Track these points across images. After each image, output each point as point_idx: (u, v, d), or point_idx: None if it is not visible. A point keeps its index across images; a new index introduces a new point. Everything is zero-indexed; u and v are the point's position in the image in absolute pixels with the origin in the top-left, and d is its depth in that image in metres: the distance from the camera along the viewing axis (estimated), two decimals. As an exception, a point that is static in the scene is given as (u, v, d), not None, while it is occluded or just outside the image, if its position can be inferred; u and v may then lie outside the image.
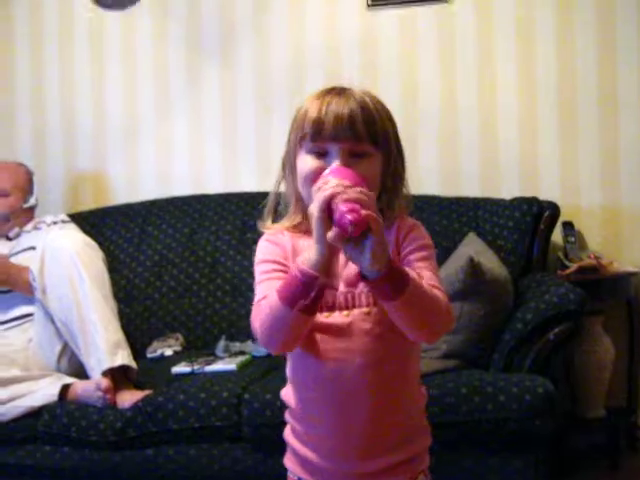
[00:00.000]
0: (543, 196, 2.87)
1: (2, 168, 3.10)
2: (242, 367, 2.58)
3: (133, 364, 2.56)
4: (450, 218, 2.86)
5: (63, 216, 3.11)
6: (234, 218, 3.11)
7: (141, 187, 3.43)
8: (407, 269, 1.20)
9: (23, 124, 3.58)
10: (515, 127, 3.10)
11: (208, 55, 3.38)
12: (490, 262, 2.43)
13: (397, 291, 1.16)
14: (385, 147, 1.30)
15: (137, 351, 2.73)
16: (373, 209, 1.13)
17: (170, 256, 3.11)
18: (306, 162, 1.28)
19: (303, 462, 1.32)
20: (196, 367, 2.59)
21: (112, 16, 3.48)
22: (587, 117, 3.03)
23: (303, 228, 1.31)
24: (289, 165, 1.33)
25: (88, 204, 3.44)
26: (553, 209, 2.82)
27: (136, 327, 2.98)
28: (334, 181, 1.17)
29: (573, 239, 2.92)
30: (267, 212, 1.38)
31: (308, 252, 1.17)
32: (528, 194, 2.88)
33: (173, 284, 3.07)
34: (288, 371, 1.34)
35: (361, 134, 1.26)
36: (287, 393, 1.35)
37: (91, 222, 3.22)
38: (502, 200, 2.89)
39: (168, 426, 2.33)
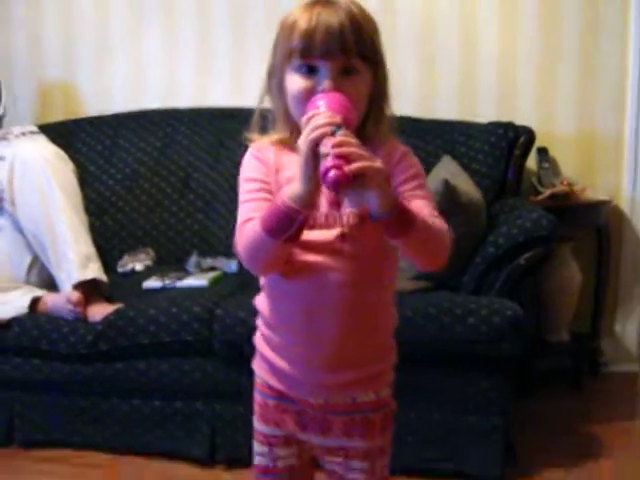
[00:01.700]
0: (519, 121, 2.86)
1: (-32, 75, 3.01)
2: (213, 283, 2.58)
3: (104, 277, 2.55)
4: (425, 140, 2.84)
5: (32, 127, 3.03)
6: (207, 133, 3.07)
7: (112, 99, 3.36)
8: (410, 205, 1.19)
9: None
10: (494, 51, 3.06)
11: (183, -36, 3.28)
12: (465, 185, 2.43)
13: (404, 229, 1.16)
14: (373, 62, 1.27)
15: (108, 265, 2.71)
16: (365, 158, 1.11)
17: (142, 170, 3.07)
18: (295, 81, 1.24)
19: (271, 367, 1.33)
20: (167, 282, 2.59)
21: None
22: (566, 42, 3.01)
23: (290, 143, 1.28)
24: (276, 80, 1.29)
25: (57, 115, 3.36)
26: (528, 134, 2.82)
27: (107, 241, 2.96)
28: (325, 114, 1.14)
29: (547, 165, 2.93)
30: (253, 125, 1.34)
31: (294, 185, 1.16)
32: (504, 119, 2.87)
33: (145, 198, 3.03)
34: (263, 280, 1.34)
35: (351, 48, 1.23)
36: (260, 301, 1.35)
37: (61, 134, 3.14)
38: (478, 124, 2.88)
39: (139, 340, 2.34)
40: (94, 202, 3.00)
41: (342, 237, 1.25)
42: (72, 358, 2.39)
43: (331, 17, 1.22)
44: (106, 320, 2.38)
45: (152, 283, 2.60)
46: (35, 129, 3.02)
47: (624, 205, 3.03)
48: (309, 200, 1.16)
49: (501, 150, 2.76)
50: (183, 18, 3.29)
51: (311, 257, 1.25)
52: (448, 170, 2.53)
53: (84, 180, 2.96)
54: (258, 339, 1.37)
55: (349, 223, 1.25)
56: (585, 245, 2.97)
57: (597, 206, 2.89)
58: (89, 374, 2.40)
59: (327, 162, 1.09)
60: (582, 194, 2.87)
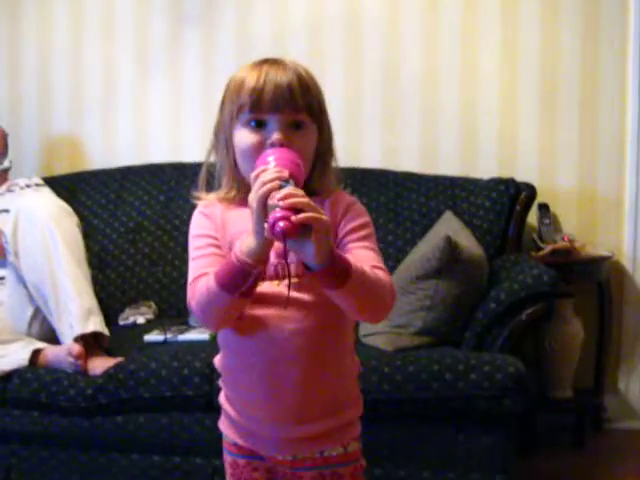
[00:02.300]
0: (520, 177, 2.89)
1: (-24, 129, 3.05)
2: (215, 337, 2.56)
3: (105, 331, 2.54)
4: (427, 196, 2.86)
5: (37, 179, 3.07)
6: (210, 188, 3.09)
7: (117, 153, 3.40)
8: (348, 256, 1.21)
9: (-1, 85, 3.52)
10: (495, 108, 3.10)
11: (189, 21, 3.34)
12: (466, 241, 2.44)
13: (340, 281, 1.18)
14: (319, 118, 1.31)
15: (109, 318, 2.71)
16: (311, 208, 1.13)
17: (145, 223, 3.08)
18: (244, 136, 1.28)
19: (237, 426, 1.34)
20: (169, 336, 2.58)
21: (92, -21, 3.43)
22: (567, 100, 3.06)
23: (237, 199, 1.32)
24: (223, 136, 1.33)
25: (63, 168, 3.39)
26: (530, 191, 2.84)
27: (109, 294, 2.96)
28: (272, 170, 1.17)
29: (548, 221, 2.95)
30: (200, 183, 1.37)
31: (246, 240, 1.18)
32: (506, 175, 2.89)
33: (147, 251, 3.05)
34: (219, 338, 1.35)
35: (299, 104, 1.27)
36: (219, 360, 1.37)
37: (66, 187, 3.18)
38: (480, 180, 2.90)
39: (139, 394, 2.33)
40: (97, 255, 3.02)
41: (292, 287, 1.25)
42: (72, 411, 2.37)
43: (280, 74, 1.27)
44: (106, 373, 2.37)
45: (154, 336, 2.59)
46: (40, 182, 3.06)
47: (625, 261, 3.04)
48: (262, 254, 1.18)
49: (502, 206, 2.78)
50: (188, 73, 3.35)
51: (263, 310, 1.27)
52: (450, 226, 2.55)
53: (88, 233, 2.98)
54: (222, 398, 1.38)
55: (298, 273, 1.26)
56: (587, 301, 2.97)
57: (598, 262, 2.90)
58: (88, 428, 2.38)
59: (275, 214, 1.12)
60: (583, 250, 2.88)
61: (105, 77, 3.43)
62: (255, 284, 1.21)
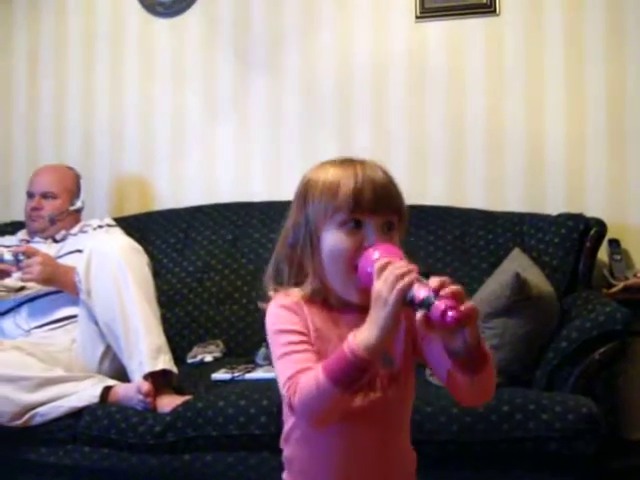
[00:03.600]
0: (589, 213, 2.84)
1: (51, 171, 3.15)
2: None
3: (174, 369, 2.57)
4: (495, 233, 2.84)
5: (109, 220, 3.15)
6: (277, 226, 3.10)
7: (186, 193, 3.46)
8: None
9: (72, 128, 3.63)
10: (562, 141, 3.07)
11: (255, 64, 3.40)
12: (536, 278, 2.40)
13: (482, 365, 1.17)
14: (404, 219, 1.30)
15: (178, 356, 2.74)
16: (466, 300, 1.12)
17: (213, 263, 3.12)
18: (339, 238, 1.25)
19: None
20: (236, 374, 2.59)
21: (162, 23, 3.53)
22: (636, 132, 3.00)
23: (318, 300, 1.29)
24: (307, 236, 1.29)
25: (133, 209, 3.47)
26: (600, 226, 2.78)
27: (177, 332, 3.00)
28: (402, 263, 1.16)
29: (619, 257, 2.88)
30: (269, 278, 1.35)
31: (364, 333, 1.16)
32: (574, 210, 2.85)
33: (215, 290, 3.08)
34: (293, 448, 1.33)
35: (394, 205, 1.27)
36: (292, 453, 1.34)
37: (136, 227, 3.25)
38: (548, 216, 2.86)
39: (207, 432, 2.33)
40: (166, 294, 3.06)
41: (388, 383, 1.26)
42: (140, 448, 2.39)
43: (375, 174, 1.26)
44: (175, 411, 2.39)
45: (221, 375, 2.61)
46: (112, 222, 3.13)
47: (702, 298, 2.94)
48: (382, 350, 1.17)
49: (572, 242, 2.73)
50: (254, 116, 3.40)
51: (358, 421, 1.26)
52: (519, 263, 2.51)
53: (156, 272, 3.03)
54: None
55: (389, 383, 1.26)
56: (662, 339, 2.88)
57: (673, 299, 2.82)
58: (156, 465, 2.39)
59: (439, 304, 1.09)
60: (656, 287, 2.80)
61: (174, 121, 3.51)
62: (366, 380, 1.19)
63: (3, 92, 3.72)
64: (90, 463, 2.46)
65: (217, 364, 2.76)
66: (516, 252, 2.65)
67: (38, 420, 2.45)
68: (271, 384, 2.43)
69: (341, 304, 1.30)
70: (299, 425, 1.31)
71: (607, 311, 2.27)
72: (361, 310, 1.25)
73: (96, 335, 2.67)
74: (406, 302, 1.13)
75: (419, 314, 1.11)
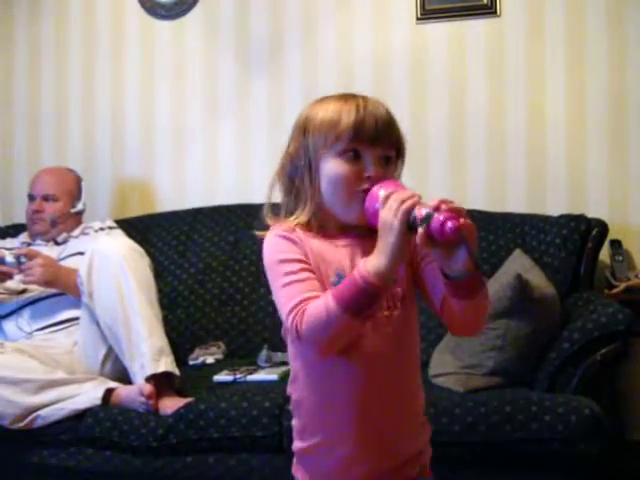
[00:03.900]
0: (591, 214, 2.84)
1: (52, 173, 3.15)
2: (284, 377, 2.57)
3: (176, 371, 2.57)
4: (496, 234, 2.84)
5: (110, 222, 3.15)
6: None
7: (187, 195, 3.46)
8: None
9: (73, 130, 3.63)
10: (563, 143, 3.07)
11: (256, 66, 3.40)
12: (537, 279, 2.40)
13: (476, 291, 1.19)
14: (402, 156, 1.35)
15: (179, 358, 2.74)
16: (466, 216, 1.15)
17: (214, 264, 3.13)
18: (338, 166, 1.28)
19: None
20: (238, 376, 2.59)
21: (162, 25, 3.53)
22: (637, 134, 3.00)
23: (316, 228, 1.32)
24: (306, 164, 1.32)
25: (135, 211, 3.47)
26: (601, 227, 2.78)
27: (179, 334, 3.00)
28: (404, 190, 1.20)
29: (621, 258, 2.88)
30: (267, 210, 1.37)
31: (373, 261, 1.17)
32: (576, 211, 2.85)
33: (217, 292, 3.08)
34: (301, 390, 1.32)
35: (393, 139, 1.31)
36: (298, 399, 1.34)
37: (137, 229, 3.25)
38: (549, 217, 2.86)
39: (209, 434, 2.34)
40: (167, 296, 3.06)
41: (389, 318, 1.26)
42: (142, 450, 2.39)
43: (377, 108, 1.30)
44: (177, 413, 2.39)
45: (223, 377, 2.61)
46: (113, 224, 3.13)
47: None
48: (393, 275, 1.18)
49: (573, 243, 2.73)
50: (256, 116, 3.40)
51: (362, 340, 1.26)
52: (520, 264, 2.51)
53: (158, 274, 3.03)
54: (297, 447, 1.36)
55: (395, 303, 1.27)
56: (664, 340, 2.88)
57: (675, 300, 2.81)
58: (158, 467, 2.39)
59: (439, 217, 1.12)
60: (658, 288, 2.80)
61: (175, 122, 3.51)
62: (379, 306, 1.21)
63: (4, 95, 3.72)
64: (92, 465, 2.46)
65: (219, 366, 2.77)
66: (517, 253, 2.65)
67: (40, 422, 2.46)
68: (273, 386, 2.45)
69: (338, 228, 1.32)
70: (306, 365, 1.31)
71: (609, 312, 2.27)
72: (357, 234, 1.30)
73: (98, 337, 2.67)
74: (409, 224, 1.15)
75: (420, 230, 1.13)
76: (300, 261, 1.27)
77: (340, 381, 1.27)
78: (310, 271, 1.26)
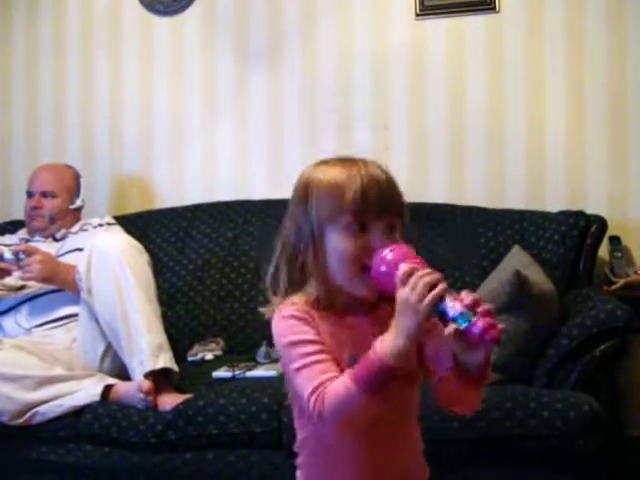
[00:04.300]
0: (590, 210, 2.84)
1: (50, 170, 3.15)
2: (283, 374, 2.57)
3: (175, 367, 2.57)
4: (495, 230, 2.83)
5: (109, 218, 3.15)
6: (277, 224, 3.10)
7: (186, 191, 3.46)
8: None
9: (72, 127, 3.63)
10: (562, 139, 3.06)
11: (255, 63, 3.40)
12: (536, 276, 2.40)
13: (484, 380, 1.21)
14: (404, 220, 1.30)
15: (178, 354, 2.74)
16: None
17: (213, 261, 3.12)
18: (345, 241, 1.24)
19: None
20: (237, 372, 2.59)
21: (161, 22, 3.52)
22: (637, 130, 2.99)
23: (324, 304, 1.28)
24: (310, 239, 1.27)
25: (133, 207, 3.47)
26: (600, 223, 2.78)
27: (178, 330, 2.99)
28: (427, 270, 1.17)
29: (620, 254, 2.88)
30: (270, 285, 1.34)
31: (391, 342, 1.16)
32: (575, 207, 2.85)
33: (215, 288, 3.08)
34: (310, 445, 1.33)
35: (397, 208, 1.27)
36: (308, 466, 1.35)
37: (136, 225, 3.24)
38: (548, 213, 2.86)
39: (208, 430, 2.34)
40: (166, 292, 3.06)
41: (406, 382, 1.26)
42: (141, 447, 2.39)
43: (379, 176, 1.26)
44: (176, 409, 2.39)
45: (222, 373, 2.61)
46: (112, 220, 3.13)
47: (702, 295, 2.94)
48: (409, 357, 1.17)
49: (572, 239, 2.73)
50: (254, 113, 3.40)
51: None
52: (519, 261, 2.51)
53: (157, 270, 3.02)
54: None
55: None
56: (663, 336, 2.88)
57: (674, 296, 2.81)
58: (157, 463, 2.39)
59: (480, 323, 1.12)
60: (657, 284, 2.80)
61: (173, 119, 3.50)
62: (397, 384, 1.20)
63: (2, 92, 3.71)
64: (91, 461, 2.46)
65: (218, 362, 2.76)
66: (516, 249, 2.65)
67: (39, 419, 2.46)
68: (272, 382, 2.45)
69: (347, 307, 1.29)
70: (315, 436, 1.30)
71: (608, 308, 2.27)
72: (366, 311, 1.28)
73: (97, 334, 2.67)
74: (437, 313, 1.14)
75: (451, 327, 1.13)
76: (315, 342, 1.24)
77: (347, 450, 1.29)
78: (326, 351, 1.24)
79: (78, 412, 2.47)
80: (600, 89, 3.02)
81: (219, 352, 2.90)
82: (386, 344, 1.16)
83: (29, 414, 2.45)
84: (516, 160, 3.10)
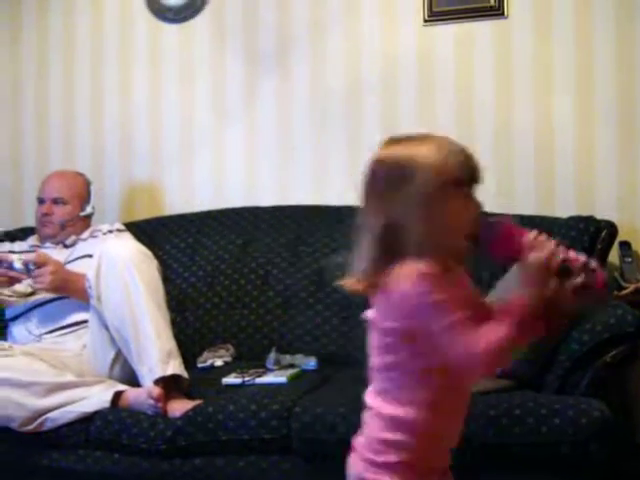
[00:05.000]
0: (600, 215, 2.82)
1: (61, 177, 3.16)
2: (292, 380, 2.58)
3: (184, 374, 2.57)
4: (505, 236, 2.82)
5: (119, 225, 3.16)
6: (287, 231, 3.12)
7: (195, 198, 3.47)
8: None
9: (82, 134, 3.64)
10: (572, 144, 3.06)
11: (265, 69, 3.41)
12: (546, 281, 2.39)
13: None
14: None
15: (188, 361, 2.74)
16: None
17: (222, 267, 3.13)
18: (465, 208, 1.39)
19: None
20: (246, 378, 2.59)
21: (170, 29, 3.53)
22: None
23: (438, 270, 1.35)
24: (422, 211, 1.34)
25: (143, 214, 3.48)
26: (610, 228, 2.77)
27: (187, 337, 3.00)
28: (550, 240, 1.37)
29: (630, 259, 2.87)
30: (369, 262, 1.38)
31: (527, 293, 1.32)
32: (584, 213, 2.83)
33: (225, 295, 3.08)
34: (425, 401, 1.39)
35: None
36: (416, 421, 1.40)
37: (145, 231, 3.25)
38: (558, 219, 2.85)
39: (218, 436, 2.34)
40: (176, 298, 3.07)
41: None
42: (151, 453, 2.39)
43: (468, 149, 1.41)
44: (186, 416, 2.39)
45: (232, 379, 2.61)
46: (122, 227, 3.14)
47: None
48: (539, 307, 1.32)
49: (582, 245, 2.71)
50: (264, 119, 3.41)
51: None
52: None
53: (166, 277, 3.03)
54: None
55: None
56: (674, 342, 2.86)
57: (685, 301, 2.80)
58: (167, 470, 2.39)
59: (597, 275, 1.36)
60: (668, 289, 2.79)
61: (184, 126, 3.51)
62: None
63: (12, 99, 3.74)
64: (101, 468, 2.47)
65: (227, 368, 2.76)
66: (526, 256, 2.64)
67: (49, 425, 2.46)
68: (282, 388, 2.45)
69: (451, 264, 1.40)
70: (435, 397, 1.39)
71: (618, 314, 2.26)
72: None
73: (107, 340, 2.67)
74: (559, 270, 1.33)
75: (578, 279, 1.32)
76: (454, 298, 1.32)
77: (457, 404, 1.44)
78: (465, 306, 1.33)
79: (88, 418, 2.47)
80: (609, 94, 3.02)
81: (229, 358, 2.90)
82: (525, 295, 1.32)
83: (39, 420, 2.46)
84: (525, 166, 3.10)
